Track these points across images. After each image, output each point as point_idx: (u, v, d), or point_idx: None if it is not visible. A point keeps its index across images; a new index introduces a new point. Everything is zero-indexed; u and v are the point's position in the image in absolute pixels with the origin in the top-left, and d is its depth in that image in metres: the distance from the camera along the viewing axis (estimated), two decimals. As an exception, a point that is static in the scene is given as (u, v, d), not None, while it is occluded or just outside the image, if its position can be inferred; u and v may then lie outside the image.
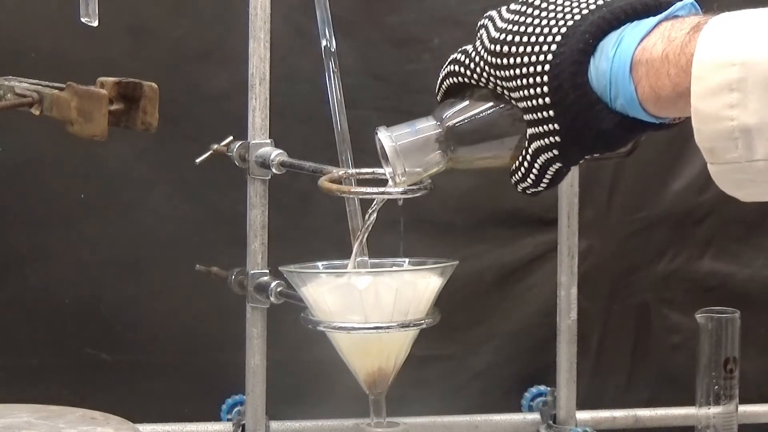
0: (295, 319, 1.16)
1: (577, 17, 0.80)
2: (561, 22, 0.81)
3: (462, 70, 0.87)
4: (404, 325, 1.09)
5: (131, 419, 1.02)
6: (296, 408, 1.52)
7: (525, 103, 0.82)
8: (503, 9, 0.86)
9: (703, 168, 0.76)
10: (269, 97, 1.37)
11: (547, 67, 0.80)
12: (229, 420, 1.48)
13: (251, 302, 1.38)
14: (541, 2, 0.83)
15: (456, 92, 0.89)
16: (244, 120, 1.37)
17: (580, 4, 0.81)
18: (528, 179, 0.85)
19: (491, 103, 0.86)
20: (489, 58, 0.84)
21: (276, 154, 1.34)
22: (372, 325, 1.08)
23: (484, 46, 0.85)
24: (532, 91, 0.81)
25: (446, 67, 0.90)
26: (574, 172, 1.50)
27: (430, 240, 1.58)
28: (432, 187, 0.96)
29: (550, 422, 1.54)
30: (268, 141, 1.36)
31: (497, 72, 0.83)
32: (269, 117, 1.37)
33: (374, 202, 1.00)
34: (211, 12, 1.54)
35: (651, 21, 0.78)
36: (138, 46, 1.52)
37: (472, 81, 0.87)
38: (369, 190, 0.98)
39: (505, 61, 0.83)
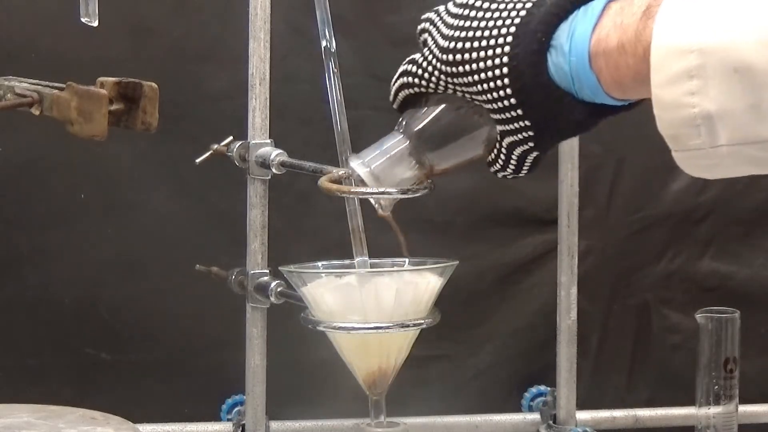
0: (295, 319, 1.16)
1: (523, 13, 0.80)
2: (508, 21, 0.80)
3: (417, 81, 0.86)
4: (404, 325, 1.08)
5: (131, 419, 1.02)
6: (296, 408, 1.52)
7: (491, 105, 0.82)
8: (443, 13, 0.86)
9: (703, 168, 0.76)
10: (269, 97, 1.37)
11: (505, 69, 0.79)
12: (229, 420, 1.48)
13: (251, 302, 1.38)
14: (483, 2, 0.83)
15: (414, 101, 0.89)
16: (244, 120, 1.37)
17: None
18: (507, 169, 0.86)
19: (452, 104, 0.86)
20: (444, 67, 0.83)
21: (276, 154, 1.34)
22: (372, 325, 1.08)
23: (435, 56, 0.84)
24: (495, 94, 0.81)
25: (398, 79, 0.89)
26: (574, 172, 1.50)
27: (430, 240, 1.58)
28: (432, 187, 0.96)
29: (550, 422, 1.54)
30: (268, 141, 1.36)
31: (456, 79, 0.83)
32: (269, 117, 1.37)
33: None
34: (211, 12, 1.54)
35: (598, 5, 0.78)
36: (138, 46, 1.52)
37: (429, 90, 0.86)
38: (369, 190, 0.98)
39: (461, 68, 0.82)
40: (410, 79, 0.87)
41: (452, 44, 0.82)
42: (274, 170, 1.34)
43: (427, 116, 0.88)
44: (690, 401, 1.46)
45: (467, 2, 0.83)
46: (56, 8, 1.47)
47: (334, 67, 1.21)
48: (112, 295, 1.54)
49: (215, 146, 1.37)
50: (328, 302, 1.09)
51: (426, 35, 0.87)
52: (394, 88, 0.89)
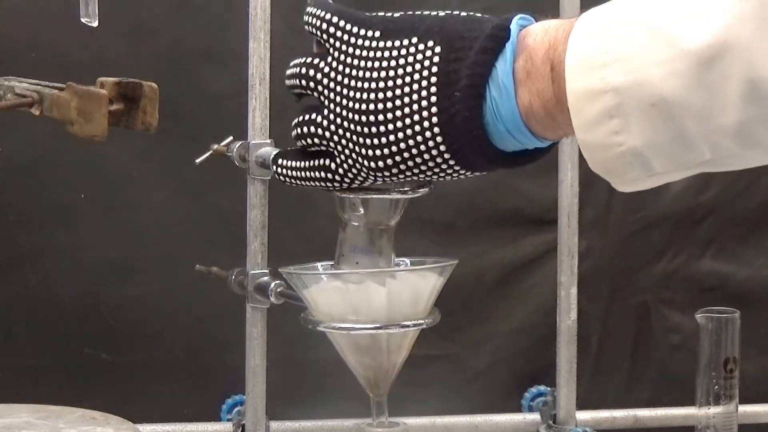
0: (295, 319, 1.16)
1: (434, 110, 0.79)
2: (426, 124, 0.79)
3: (338, 186, 0.88)
4: (404, 326, 1.08)
5: (131, 419, 1.02)
6: (296, 408, 1.52)
7: (447, 179, 0.84)
8: (342, 112, 0.85)
9: (703, 168, 0.76)
10: (269, 97, 1.37)
11: (452, 162, 0.80)
12: (229, 420, 1.48)
13: (251, 302, 1.38)
14: (385, 92, 0.81)
15: None
16: (244, 120, 1.37)
17: (421, 81, 0.79)
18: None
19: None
20: (378, 174, 0.84)
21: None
22: (372, 325, 1.08)
23: (360, 170, 0.84)
24: (449, 177, 0.83)
25: (312, 182, 0.91)
26: (574, 172, 1.50)
27: (430, 240, 1.58)
28: (432, 187, 0.96)
29: (550, 422, 1.54)
30: (268, 141, 1.36)
31: (397, 178, 0.84)
32: (269, 117, 1.37)
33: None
34: (211, 12, 1.54)
35: (506, 78, 0.77)
36: (138, 46, 1.52)
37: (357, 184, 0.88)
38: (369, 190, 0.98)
39: (402, 176, 0.83)
40: (332, 185, 0.89)
41: (381, 163, 0.82)
42: (274, 170, 1.34)
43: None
44: (690, 401, 1.46)
45: (367, 108, 0.82)
46: (56, 8, 1.47)
47: (334, 68, 1.21)
48: (112, 295, 1.54)
49: (215, 146, 1.37)
50: (328, 302, 1.09)
51: (329, 138, 0.87)
52: (306, 185, 0.91)
